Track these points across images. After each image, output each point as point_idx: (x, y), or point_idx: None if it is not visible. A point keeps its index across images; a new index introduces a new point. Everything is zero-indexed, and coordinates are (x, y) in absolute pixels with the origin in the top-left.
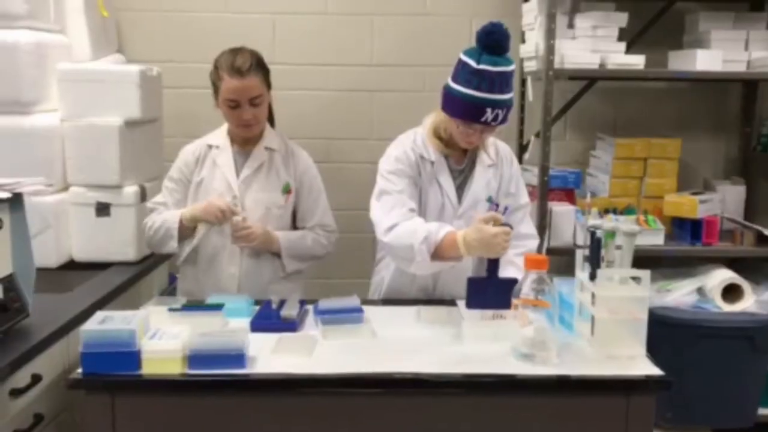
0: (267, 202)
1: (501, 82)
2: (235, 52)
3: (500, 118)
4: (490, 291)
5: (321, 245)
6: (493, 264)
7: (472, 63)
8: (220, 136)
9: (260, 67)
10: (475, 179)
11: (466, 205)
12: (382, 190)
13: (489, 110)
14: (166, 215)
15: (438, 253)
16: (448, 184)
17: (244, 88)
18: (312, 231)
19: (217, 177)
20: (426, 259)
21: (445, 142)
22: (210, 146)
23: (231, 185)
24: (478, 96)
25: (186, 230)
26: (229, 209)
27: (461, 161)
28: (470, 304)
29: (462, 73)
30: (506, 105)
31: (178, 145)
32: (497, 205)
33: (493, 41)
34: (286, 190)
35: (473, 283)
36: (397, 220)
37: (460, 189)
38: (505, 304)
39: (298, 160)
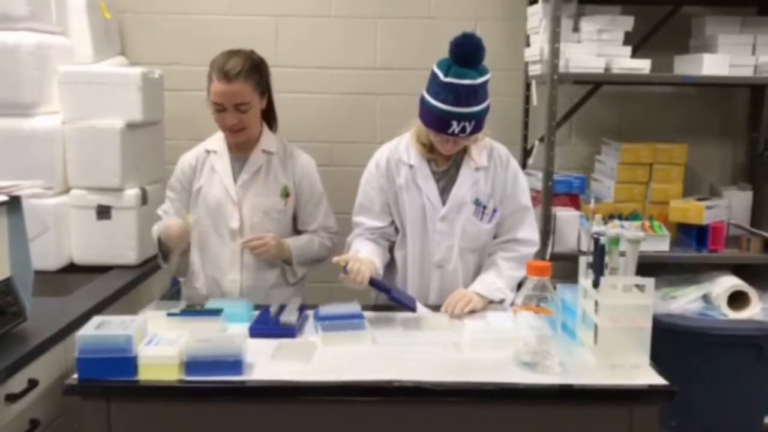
0: (265, 207)
1: (468, 94)
2: (231, 54)
3: (468, 129)
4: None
5: (326, 248)
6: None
7: (440, 75)
8: (217, 141)
9: (253, 72)
10: (460, 181)
11: (449, 207)
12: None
13: (455, 122)
14: (157, 228)
15: None
16: (429, 186)
17: (228, 93)
18: (316, 234)
19: (215, 183)
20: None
21: (428, 147)
22: (208, 152)
23: (229, 191)
24: (443, 108)
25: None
26: (181, 229)
27: (445, 164)
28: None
29: (432, 84)
30: (474, 117)
31: (181, 148)
32: (484, 208)
33: (462, 53)
34: (285, 194)
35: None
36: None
37: (445, 192)
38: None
39: (296, 162)
